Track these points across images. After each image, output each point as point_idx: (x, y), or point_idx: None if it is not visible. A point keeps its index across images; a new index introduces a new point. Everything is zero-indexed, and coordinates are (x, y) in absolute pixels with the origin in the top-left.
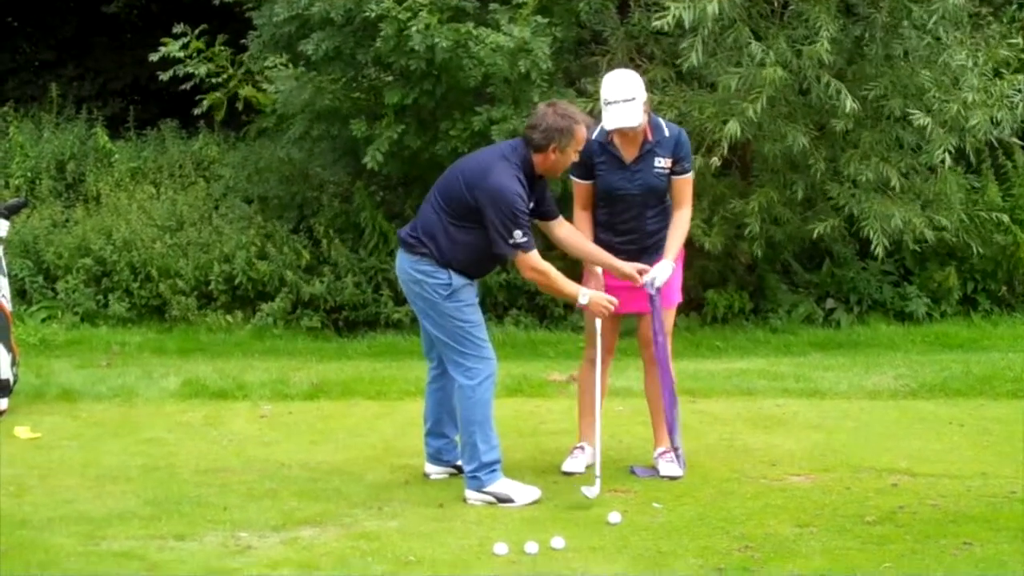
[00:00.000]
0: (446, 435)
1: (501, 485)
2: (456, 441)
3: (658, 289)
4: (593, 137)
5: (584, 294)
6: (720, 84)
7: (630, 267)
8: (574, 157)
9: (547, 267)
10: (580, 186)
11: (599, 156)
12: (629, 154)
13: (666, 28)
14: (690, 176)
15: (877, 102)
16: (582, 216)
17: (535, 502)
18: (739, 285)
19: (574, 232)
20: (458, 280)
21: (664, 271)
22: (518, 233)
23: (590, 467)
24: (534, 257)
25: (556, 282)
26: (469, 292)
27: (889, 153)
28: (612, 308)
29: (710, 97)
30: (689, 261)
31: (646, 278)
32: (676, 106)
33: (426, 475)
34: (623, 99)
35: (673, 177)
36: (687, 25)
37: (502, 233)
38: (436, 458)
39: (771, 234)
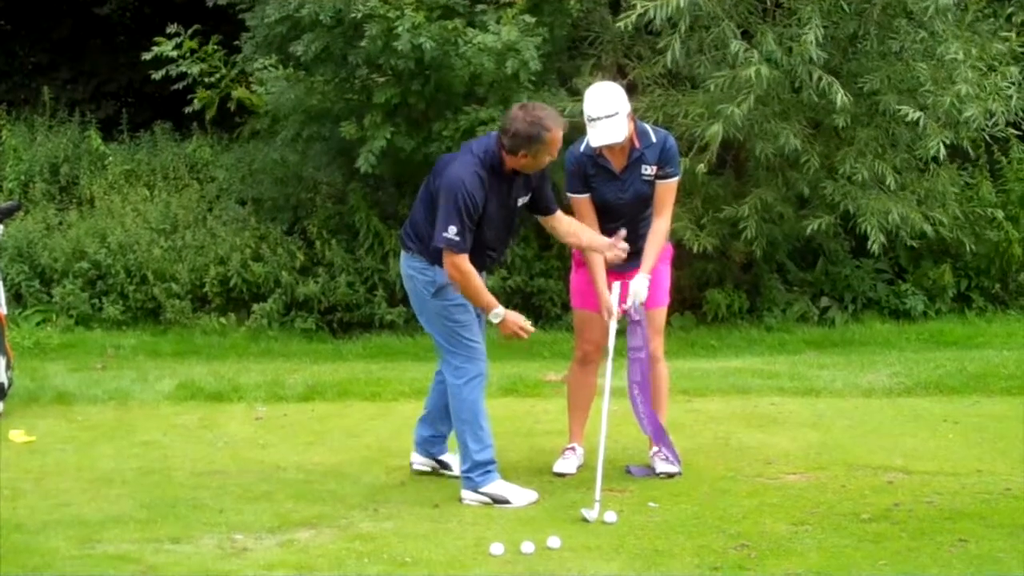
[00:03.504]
0: (437, 427)
1: (497, 486)
2: (445, 437)
3: (642, 306)
4: (582, 151)
5: (497, 314)
6: (705, 86)
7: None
8: (548, 159)
9: (471, 271)
10: (579, 200)
11: (591, 169)
12: (618, 164)
13: (630, 27)
14: (674, 182)
15: (872, 98)
16: None
17: (531, 504)
18: (735, 284)
19: (578, 228)
20: (443, 277)
21: (641, 287)
22: (453, 229)
23: (581, 468)
24: (461, 260)
25: (475, 289)
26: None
27: (884, 151)
28: (525, 335)
29: (697, 98)
30: (687, 260)
31: (627, 304)
32: (664, 109)
33: (411, 464)
34: (606, 115)
35: (657, 182)
36: (657, 23)
37: (441, 223)
38: (423, 447)
39: (768, 233)
